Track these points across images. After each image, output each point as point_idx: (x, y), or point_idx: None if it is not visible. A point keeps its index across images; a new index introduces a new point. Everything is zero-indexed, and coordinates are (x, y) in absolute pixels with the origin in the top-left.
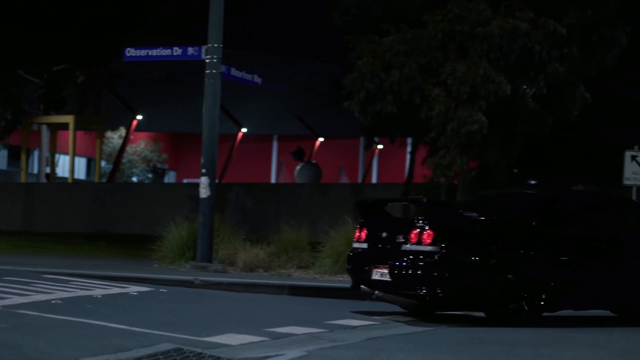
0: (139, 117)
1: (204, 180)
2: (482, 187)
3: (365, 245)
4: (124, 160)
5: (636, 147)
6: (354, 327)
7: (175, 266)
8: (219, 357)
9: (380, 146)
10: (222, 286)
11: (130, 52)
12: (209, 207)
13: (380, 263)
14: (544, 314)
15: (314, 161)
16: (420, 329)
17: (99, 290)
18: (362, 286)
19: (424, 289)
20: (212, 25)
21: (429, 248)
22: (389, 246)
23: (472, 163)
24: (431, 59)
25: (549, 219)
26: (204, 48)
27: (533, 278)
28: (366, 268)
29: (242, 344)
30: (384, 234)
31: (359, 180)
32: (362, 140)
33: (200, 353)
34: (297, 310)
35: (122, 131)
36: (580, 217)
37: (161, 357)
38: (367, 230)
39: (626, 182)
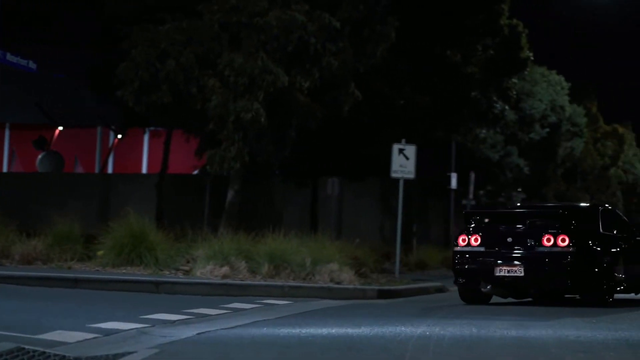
0: None
1: None
2: (254, 180)
3: (482, 248)
4: None
5: (403, 141)
6: (173, 321)
7: None
8: (64, 356)
9: (119, 136)
10: (14, 280)
11: None
12: None
13: (506, 262)
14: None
15: (55, 150)
16: (239, 322)
17: None
18: (481, 281)
19: (557, 282)
20: None
21: (563, 249)
22: (516, 248)
23: None
24: (208, 49)
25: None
26: None
27: (629, 270)
28: (489, 267)
29: (78, 342)
30: (509, 238)
31: (96, 170)
32: (99, 129)
33: (45, 352)
34: (104, 304)
35: None
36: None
37: (7, 357)
38: (482, 235)
39: (393, 175)
